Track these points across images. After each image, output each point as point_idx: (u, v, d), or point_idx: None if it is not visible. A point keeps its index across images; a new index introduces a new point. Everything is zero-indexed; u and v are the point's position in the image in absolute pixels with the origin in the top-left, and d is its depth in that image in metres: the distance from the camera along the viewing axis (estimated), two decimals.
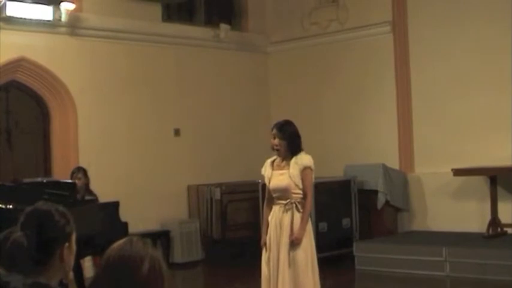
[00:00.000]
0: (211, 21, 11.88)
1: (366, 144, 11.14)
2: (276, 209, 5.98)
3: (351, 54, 11.43)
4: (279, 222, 5.91)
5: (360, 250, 9.66)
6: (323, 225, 9.87)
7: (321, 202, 9.72)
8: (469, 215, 9.97)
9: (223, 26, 11.62)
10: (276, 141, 6.00)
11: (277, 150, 6.02)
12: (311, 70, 11.91)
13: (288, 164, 5.96)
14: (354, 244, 9.79)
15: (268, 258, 5.96)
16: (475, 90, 10.15)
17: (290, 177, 5.90)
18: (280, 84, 12.31)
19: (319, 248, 9.72)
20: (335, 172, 10.62)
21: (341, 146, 11.39)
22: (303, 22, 12.01)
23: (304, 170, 5.92)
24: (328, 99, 11.69)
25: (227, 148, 11.60)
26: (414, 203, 10.75)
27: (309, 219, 6.04)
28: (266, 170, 6.09)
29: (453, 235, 9.83)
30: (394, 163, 10.73)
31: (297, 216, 5.89)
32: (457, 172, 9.55)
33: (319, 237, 9.81)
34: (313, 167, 5.98)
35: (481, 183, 9.91)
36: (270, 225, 6.00)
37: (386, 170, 10.39)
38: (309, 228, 5.98)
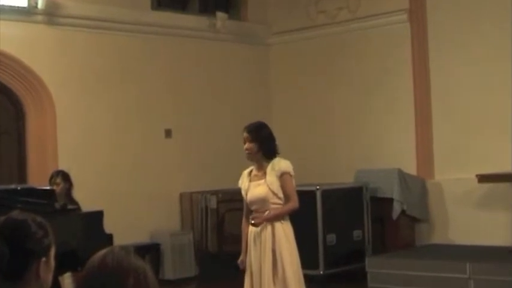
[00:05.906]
0: (206, 9, 11.95)
1: (380, 147, 11.13)
2: None
3: (363, 46, 11.41)
4: (258, 236, 5.96)
5: (373, 266, 9.61)
6: (331, 238, 9.84)
7: (329, 211, 9.72)
8: (495, 226, 9.93)
9: (220, 15, 11.64)
10: (247, 145, 6.05)
11: (249, 154, 6.08)
12: (317, 64, 11.91)
13: (265, 173, 6.00)
14: (366, 259, 9.76)
15: (251, 282, 5.97)
16: (502, 86, 10.11)
17: (268, 185, 5.96)
18: (283, 80, 12.32)
19: (328, 263, 9.77)
20: (344, 178, 10.64)
21: (351, 148, 11.37)
22: (308, 10, 12.01)
23: (282, 176, 5.97)
24: (337, 96, 11.68)
25: (224, 151, 11.55)
26: (434, 213, 10.72)
27: (291, 229, 6.03)
28: (243, 182, 6.18)
29: (478, 249, 9.79)
30: (411, 168, 10.70)
31: (278, 226, 5.93)
32: (482, 178, 9.48)
33: (327, 251, 9.82)
34: (292, 173, 6.02)
35: (509, 190, 9.86)
36: (249, 242, 6.05)
37: (402, 175, 10.37)
38: (293, 240, 6.01)
